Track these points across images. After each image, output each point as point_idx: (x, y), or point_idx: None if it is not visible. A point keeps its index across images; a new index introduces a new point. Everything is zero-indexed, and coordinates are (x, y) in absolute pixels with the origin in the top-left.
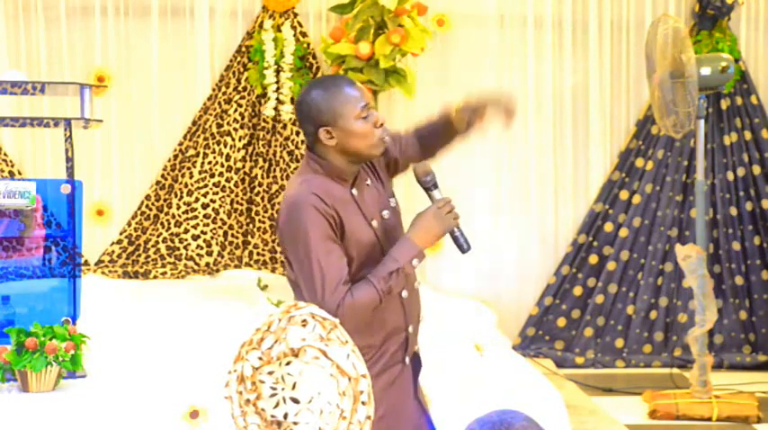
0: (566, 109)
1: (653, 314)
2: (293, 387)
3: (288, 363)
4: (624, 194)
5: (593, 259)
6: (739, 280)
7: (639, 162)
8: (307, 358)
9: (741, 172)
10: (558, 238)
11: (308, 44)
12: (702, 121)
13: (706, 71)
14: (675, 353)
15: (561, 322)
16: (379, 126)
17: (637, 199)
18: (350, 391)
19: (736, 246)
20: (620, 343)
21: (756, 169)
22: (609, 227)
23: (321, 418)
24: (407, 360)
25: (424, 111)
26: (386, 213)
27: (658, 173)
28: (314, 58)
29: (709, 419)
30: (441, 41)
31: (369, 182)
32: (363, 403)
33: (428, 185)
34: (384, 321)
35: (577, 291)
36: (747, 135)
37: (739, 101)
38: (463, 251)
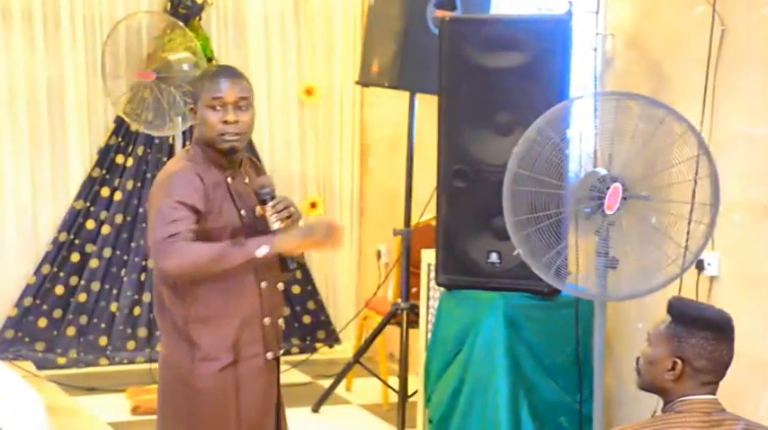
0: (41, 105)
1: (136, 310)
2: None
3: None
4: (105, 191)
5: (75, 257)
6: None
7: (120, 158)
8: None
9: None
10: (38, 237)
11: None
12: (180, 118)
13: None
14: (158, 349)
15: (42, 322)
16: (226, 123)
17: (118, 195)
18: None
19: None
20: (103, 341)
21: None
22: (91, 224)
23: None
24: (270, 355)
25: None
26: (258, 210)
27: (139, 169)
28: None
29: None
30: None
31: (247, 181)
32: None
33: (264, 198)
34: (239, 308)
35: (59, 290)
36: None
37: None
38: (288, 270)
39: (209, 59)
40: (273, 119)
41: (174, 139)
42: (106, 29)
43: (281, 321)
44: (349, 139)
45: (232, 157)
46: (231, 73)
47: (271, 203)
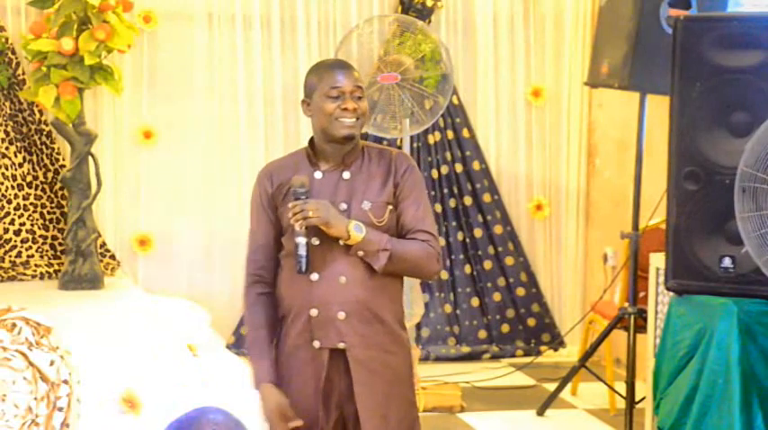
0: (277, 108)
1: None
2: None
3: None
4: None
5: None
6: (444, 275)
7: None
8: None
9: (445, 170)
10: None
11: (7, 39)
12: (408, 121)
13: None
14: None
15: None
16: (346, 110)
17: None
18: (48, 397)
19: (441, 242)
20: None
21: (459, 167)
22: None
23: (2, 421)
24: (317, 344)
25: (132, 108)
26: (343, 206)
27: None
28: (13, 53)
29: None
30: (148, 38)
31: (348, 175)
32: (60, 409)
33: (298, 196)
34: (290, 297)
35: None
36: (450, 134)
37: (441, 101)
38: (301, 271)
39: (438, 62)
40: (500, 120)
41: (401, 142)
42: (339, 33)
43: None
44: (576, 141)
45: (343, 148)
46: (346, 65)
47: (290, 204)
